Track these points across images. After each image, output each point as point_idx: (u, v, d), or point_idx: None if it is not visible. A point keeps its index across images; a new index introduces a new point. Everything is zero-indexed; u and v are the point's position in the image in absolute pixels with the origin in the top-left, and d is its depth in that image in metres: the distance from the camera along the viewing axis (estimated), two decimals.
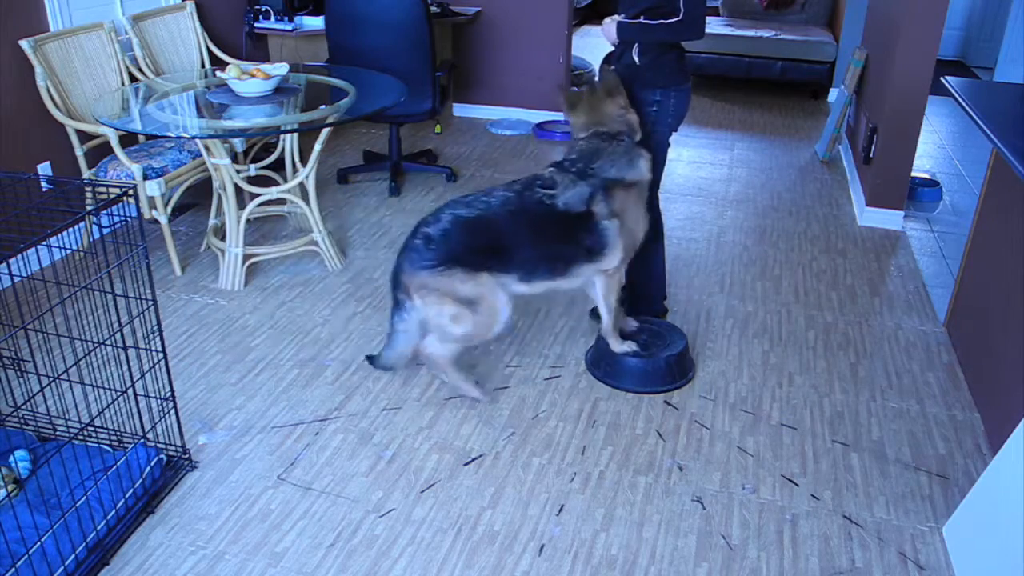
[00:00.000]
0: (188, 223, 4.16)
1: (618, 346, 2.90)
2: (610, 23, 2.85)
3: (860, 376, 3.02)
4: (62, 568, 2.01)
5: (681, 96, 2.89)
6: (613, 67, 2.93)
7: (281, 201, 3.92)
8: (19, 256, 3.24)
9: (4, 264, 1.88)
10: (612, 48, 2.99)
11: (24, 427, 2.52)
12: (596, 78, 3.07)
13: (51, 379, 2.22)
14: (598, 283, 2.82)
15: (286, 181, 3.65)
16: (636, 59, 2.82)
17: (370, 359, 2.91)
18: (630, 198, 2.74)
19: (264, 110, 3.36)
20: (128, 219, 2.23)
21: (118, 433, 2.48)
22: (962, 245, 3.37)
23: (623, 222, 2.71)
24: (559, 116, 5.84)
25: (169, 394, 2.38)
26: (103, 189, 2.16)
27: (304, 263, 3.75)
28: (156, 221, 3.57)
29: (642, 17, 2.74)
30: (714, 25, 7.24)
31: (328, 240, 3.69)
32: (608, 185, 2.67)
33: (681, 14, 2.66)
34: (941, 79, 3.21)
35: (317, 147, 3.52)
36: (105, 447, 2.43)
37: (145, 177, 3.46)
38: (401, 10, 4.25)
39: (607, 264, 2.75)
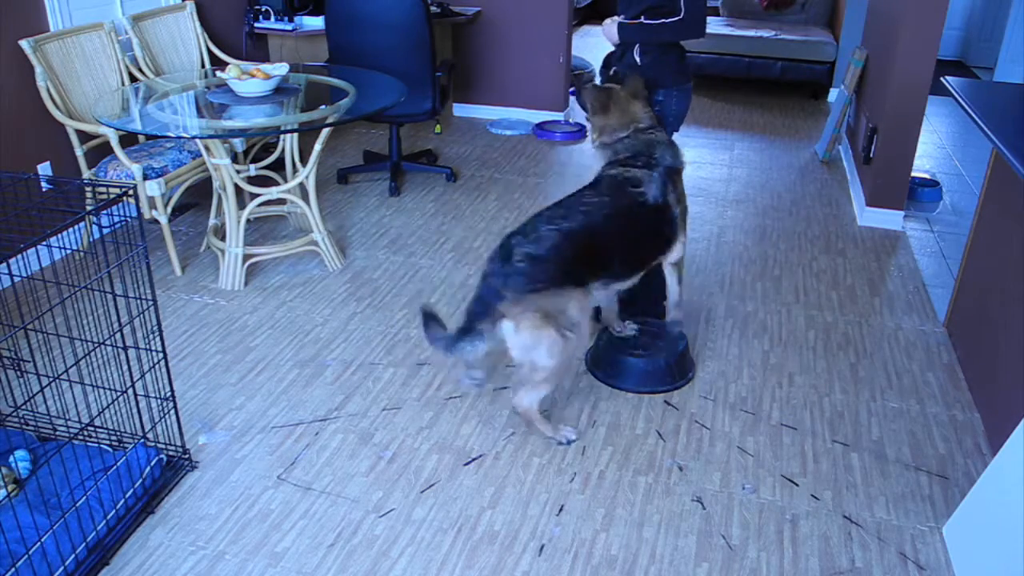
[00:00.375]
0: (188, 223, 4.16)
1: (679, 315, 2.97)
2: (611, 24, 2.85)
3: (860, 376, 3.02)
4: (62, 568, 2.01)
5: (683, 96, 2.89)
6: (615, 68, 2.93)
7: (281, 201, 3.92)
8: (19, 256, 3.24)
9: (4, 264, 1.88)
10: (612, 49, 3.00)
11: (24, 427, 2.52)
12: (597, 79, 3.06)
13: (51, 379, 2.22)
14: (671, 275, 2.87)
15: (286, 181, 3.65)
16: (638, 59, 2.82)
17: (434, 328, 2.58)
18: (680, 184, 2.78)
19: (264, 110, 3.36)
20: (128, 219, 2.23)
21: (118, 433, 2.48)
22: (962, 245, 3.37)
23: (682, 208, 2.75)
24: (559, 116, 5.85)
25: (169, 394, 2.38)
26: (103, 189, 2.16)
27: (304, 263, 3.75)
28: (156, 221, 3.57)
29: (643, 17, 2.74)
30: (714, 25, 7.24)
31: (328, 240, 3.69)
32: (669, 173, 2.68)
33: (682, 13, 2.66)
34: (941, 79, 3.21)
35: (317, 147, 3.52)
36: (105, 447, 2.42)
37: (145, 177, 3.46)
38: (401, 10, 4.25)
39: (676, 254, 2.80)
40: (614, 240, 2.54)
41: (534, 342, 2.39)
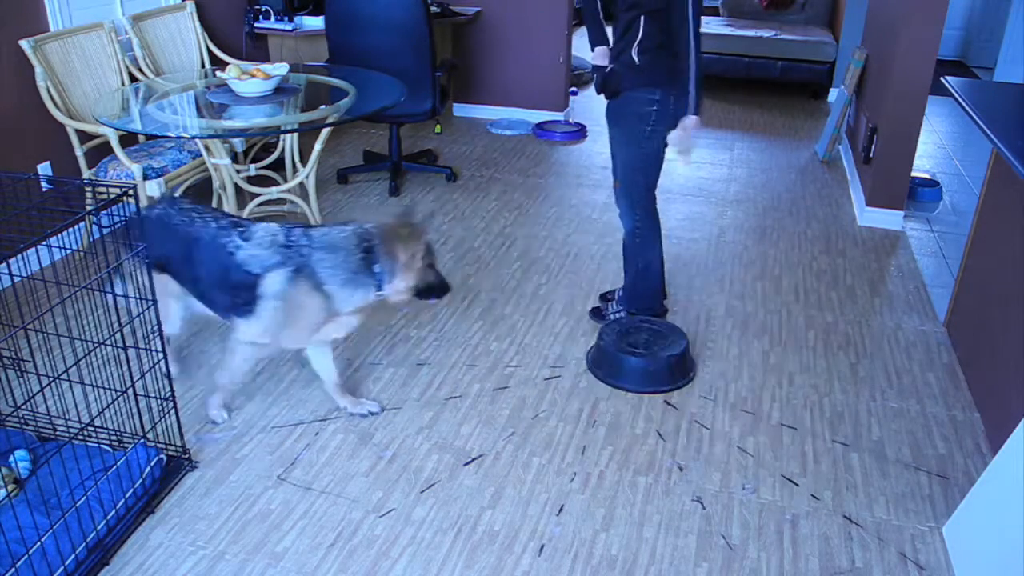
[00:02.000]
0: None
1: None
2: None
3: (860, 376, 3.02)
4: (62, 568, 2.01)
5: (681, 97, 2.88)
6: (611, 66, 2.93)
7: (281, 201, 3.92)
8: (19, 256, 3.24)
9: (4, 264, 1.88)
10: (599, 64, 3.02)
11: (24, 427, 2.52)
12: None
13: (51, 379, 2.22)
14: None
15: (286, 181, 3.65)
16: (635, 58, 2.82)
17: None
18: None
19: (264, 110, 3.36)
20: (128, 219, 2.23)
21: (118, 433, 2.48)
22: (962, 245, 3.37)
23: None
24: (559, 116, 5.85)
25: (169, 394, 2.38)
26: (103, 189, 2.16)
27: None
28: None
29: (641, 18, 2.75)
30: (714, 25, 7.24)
31: None
32: None
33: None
34: (941, 79, 3.22)
35: (317, 147, 3.52)
36: (105, 447, 2.43)
37: (145, 177, 3.46)
38: (401, 10, 4.25)
39: None
40: None
41: None
